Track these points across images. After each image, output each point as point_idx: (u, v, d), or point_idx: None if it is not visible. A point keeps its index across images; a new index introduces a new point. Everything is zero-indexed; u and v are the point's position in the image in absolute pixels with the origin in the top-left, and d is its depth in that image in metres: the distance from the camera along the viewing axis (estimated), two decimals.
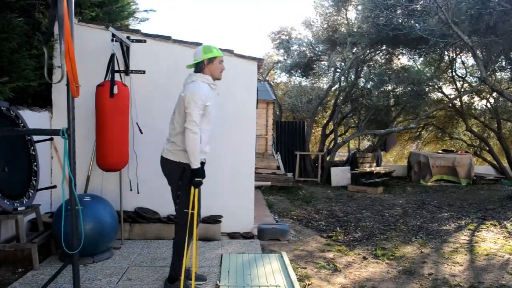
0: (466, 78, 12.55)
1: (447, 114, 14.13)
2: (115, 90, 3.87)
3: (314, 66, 14.09)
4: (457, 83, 12.72)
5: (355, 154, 12.39)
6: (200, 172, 2.92)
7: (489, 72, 10.59)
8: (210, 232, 4.54)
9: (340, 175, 10.78)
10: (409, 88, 11.05)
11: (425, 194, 9.35)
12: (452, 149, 14.32)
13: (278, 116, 16.52)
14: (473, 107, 13.75)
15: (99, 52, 4.37)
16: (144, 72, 4.60)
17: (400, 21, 9.94)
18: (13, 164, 3.56)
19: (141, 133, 4.47)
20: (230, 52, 4.74)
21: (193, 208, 2.98)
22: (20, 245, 3.46)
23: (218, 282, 3.32)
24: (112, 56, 4.11)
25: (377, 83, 11.62)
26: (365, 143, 17.39)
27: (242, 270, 3.60)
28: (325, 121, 14.32)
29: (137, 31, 4.63)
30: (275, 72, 19.36)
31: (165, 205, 4.37)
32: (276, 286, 3.28)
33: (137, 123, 4.44)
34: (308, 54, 13.57)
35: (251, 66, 4.81)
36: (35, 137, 3.96)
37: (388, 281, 3.64)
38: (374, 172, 10.84)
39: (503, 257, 4.45)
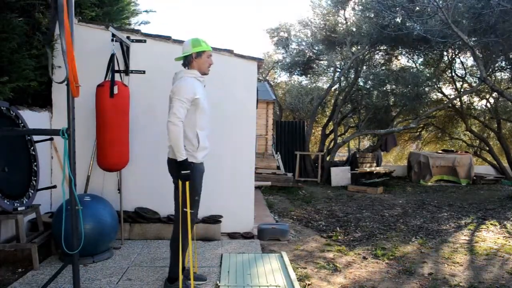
0: (466, 78, 12.56)
1: (447, 114, 14.14)
2: (115, 90, 3.88)
3: (314, 65, 14.10)
4: (457, 83, 12.72)
5: (355, 154, 12.39)
6: (186, 164, 2.87)
7: (489, 72, 10.59)
8: (210, 232, 4.54)
9: (340, 175, 10.78)
10: (408, 88, 11.05)
11: (425, 194, 9.35)
12: (452, 149, 14.33)
13: (278, 116, 16.53)
14: (472, 107, 13.75)
15: (99, 52, 4.37)
16: (144, 72, 4.60)
17: (400, 21, 9.95)
18: (13, 164, 3.56)
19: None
20: (230, 52, 4.74)
21: (191, 208, 2.98)
22: (20, 245, 3.46)
23: (218, 282, 3.32)
24: (112, 56, 4.11)
25: (376, 84, 11.63)
26: (365, 143, 17.39)
27: (242, 270, 3.60)
28: (325, 121, 14.33)
29: (137, 31, 4.63)
30: (275, 72, 19.37)
31: (165, 205, 4.37)
32: (276, 286, 3.28)
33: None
34: (307, 53, 13.57)
35: (251, 66, 4.81)
36: (35, 137, 3.96)
37: (388, 281, 3.64)
38: (374, 172, 10.84)
39: (503, 257, 4.45)
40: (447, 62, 12.03)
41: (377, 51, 12.34)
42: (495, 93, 11.66)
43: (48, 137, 4.23)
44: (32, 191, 3.75)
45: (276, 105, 15.67)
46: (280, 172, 10.07)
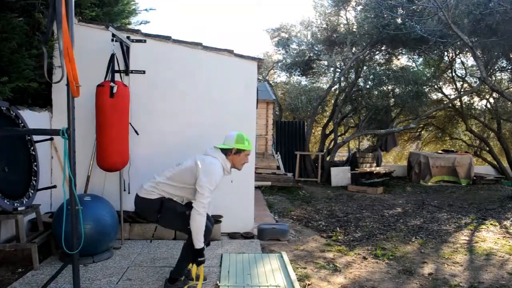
0: (466, 79, 12.56)
1: (447, 114, 14.14)
2: (114, 90, 3.86)
3: (314, 65, 14.10)
4: (457, 83, 12.73)
5: (355, 154, 12.40)
6: (202, 252, 2.90)
7: (489, 73, 10.60)
8: None
9: (340, 175, 10.78)
10: (408, 89, 11.05)
11: (425, 194, 9.36)
12: (452, 149, 14.33)
13: (278, 116, 16.52)
14: (472, 107, 13.76)
15: (99, 52, 4.37)
16: (144, 72, 4.60)
17: (400, 21, 9.95)
18: (13, 164, 3.56)
19: (137, 134, 4.45)
20: (230, 52, 4.75)
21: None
22: (20, 245, 3.45)
23: (218, 282, 3.32)
24: (112, 56, 4.11)
25: (377, 84, 11.64)
26: (365, 143, 17.39)
27: (242, 270, 3.60)
28: (325, 121, 14.33)
29: (137, 31, 4.63)
30: (275, 72, 19.37)
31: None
32: (276, 286, 3.28)
33: (130, 124, 4.34)
34: (308, 54, 13.57)
35: (251, 66, 4.81)
36: (35, 137, 3.96)
37: (388, 281, 3.64)
38: (374, 172, 10.84)
39: (503, 257, 4.45)
40: (447, 62, 12.04)
41: (378, 51, 12.34)
42: (495, 93, 11.66)
43: (48, 137, 4.23)
44: (32, 191, 3.75)
45: (276, 105, 15.67)
46: (280, 172, 10.07)
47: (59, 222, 3.31)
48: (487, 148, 12.91)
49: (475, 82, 12.09)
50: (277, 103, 16.15)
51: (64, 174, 2.74)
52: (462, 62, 12.29)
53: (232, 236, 4.71)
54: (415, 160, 12.12)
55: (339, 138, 13.53)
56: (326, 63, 13.68)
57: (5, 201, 3.31)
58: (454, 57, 11.80)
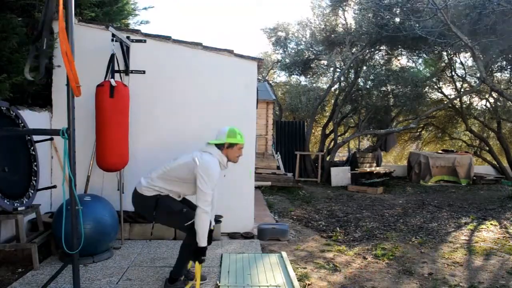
0: (466, 78, 12.56)
1: (447, 114, 14.14)
2: (113, 83, 3.84)
3: (313, 65, 14.10)
4: (457, 83, 12.72)
5: (355, 154, 12.39)
6: (204, 252, 2.91)
7: (488, 73, 10.59)
8: None
9: (340, 175, 10.78)
10: (408, 89, 11.05)
11: (425, 194, 9.35)
12: (452, 149, 14.33)
13: (278, 116, 16.52)
14: (472, 107, 13.76)
15: (99, 52, 4.37)
16: (144, 72, 4.60)
17: (399, 21, 9.95)
18: (13, 164, 3.56)
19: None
20: (230, 52, 4.75)
21: (189, 220, 2.95)
22: (20, 245, 3.45)
23: (218, 282, 3.32)
24: (112, 56, 4.11)
25: (376, 84, 11.64)
26: (365, 143, 17.39)
27: (242, 270, 3.60)
28: (325, 121, 14.33)
29: (137, 31, 4.63)
30: (275, 72, 19.38)
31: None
32: (276, 286, 3.28)
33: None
34: (306, 53, 13.57)
35: (251, 66, 4.81)
36: (35, 137, 3.96)
37: (388, 281, 3.64)
38: (374, 172, 10.85)
39: (503, 257, 4.45)
40: (446, 62, 12.04)
41: (377, 51, 12.34)
42: (495, 93, 11.67)
43: (48, 137, 4.23)
44: (32, 191, 3.75)
45: (276, 105, 15.66)
46: (280, 172, 10.07)
47: (59, 222, 3.31)
48: (487, 148, 12.91)
49: (475, 82, 12.09)
50: (277, 103, 16.15)
51: (63, 174, 2.74)
52: (461, 63, 12.29)
53: (232, 236, 4.71)
54: (415, 160, 12.12)
55: (339, 138, 13.53)
56: (325, 63, 13.68)
57: (5, 201, 3.31)
58: (453, 57, 11.80)
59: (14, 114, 3.63)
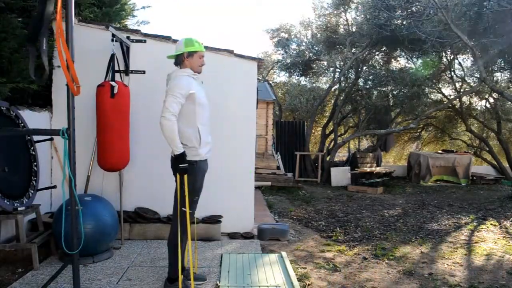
0: (466, 79, 12.56)
1: (447, 114, 14.14)
2: (115, 89, 3.86)
3: (313, 65, 14.10)
4: (456, 84, 12.72)
5: (355, 154, 12.39)
6: (183, 158, 2.88)
7: (488, 74, 10.59)
8: (210, 232, 4.54)
9: (340, 175, 10.78)
10: (407, 90, 11.04)
11: (425, 194, 9.36)
12: (452, 149, 14.33)
13: (278, 116, 16.52)
14: (472, 107, 13.75)
15: (99, 52, 4.37)
16: (144, 72, 4.60)
17: (399, 22, 9.95)
18: (13, 164, 3.56)
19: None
20: (230, 52, 4.75)
21: (190, 207, 2.97)
22: (20, 245, 3.45)
23: (218, 282, 3.32)
24: (112, 56, 4.11)
25: (376, 84, 11.64)
26: (365, 143, 17.39)
27: (242, 270, 3.60)
28: (325, 121, 14.33)
29: (137, 31, 4.63)
30: (275, 72, 19.38)
31: (165, 205, 4.37)
32: (276, 286, 3.28)
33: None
34: (307, 54, 13.57)
35: (251, 66, 4.81)
36: (35, 137, 3.96)
37: (388, 281, 3.64)
38: (374, 172, 10.85)
39: (503, 257, 4.45)
40: (446, 63, 12.04)
41: (377, 52, 12.34)
42: (495, 93, 11.66)
43: (48, 137, 4.23)
44: (32, 191, 3.75)
45: (276, 105, 15.67)
46: (280, 172, 10.07)
47: (59, 222, 3.31)
48: (487, 148, 12.90)
49: (475, 82, 12.09)
50: (277, 103, 16.15)
51: (63, 174, 2.74)
52: (460, 64, 12.29)
53: (232, 236, 4.71)
54: (415, 160, 12.12)
55: (339, 138, 13.53)
56: (325, 63, 13.68)
57: (5, 201, 3.31)
58: (453, 57, 11.79)
59: (14, 114, 3.63)
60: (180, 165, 2.88)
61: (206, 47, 4.72)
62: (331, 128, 13.80)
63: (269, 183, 8.79)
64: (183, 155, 2.88)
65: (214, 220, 4.62)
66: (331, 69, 13.51)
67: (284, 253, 4.09)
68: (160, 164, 4.11)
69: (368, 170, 11.09)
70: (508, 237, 5.30)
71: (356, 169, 11.12)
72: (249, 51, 37.62)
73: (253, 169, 4.94)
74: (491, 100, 12.75)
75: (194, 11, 54.77)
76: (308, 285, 3.46)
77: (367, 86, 12.39)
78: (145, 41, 4.59)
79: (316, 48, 13.44)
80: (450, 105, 12.40)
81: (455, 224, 6.05)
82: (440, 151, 13.76)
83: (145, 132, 4.59)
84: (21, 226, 3.42)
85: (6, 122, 3.51)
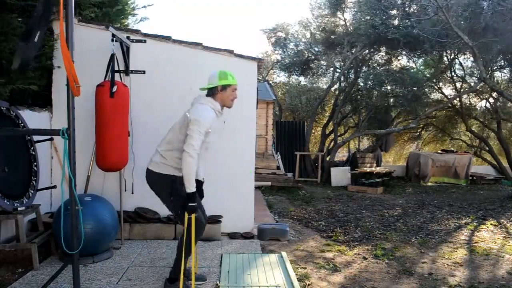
0: (466, 79, 12.56)
1: (447, 114, 14.15)
2: (114, 89, 3.86)
3: (313, 65, 14.11)
4: (457, 83, 12.72)
5: (355, 154, 12.40)
6: (194, 197, 2.82)
7: (488, 74, 10.59)
8: (210, 232, 4.54)
9: (340, 175, 10.78)
10: (406, 91, 11.05)
11: (425, 194, 9.36)
12: (452, 149, 14.34)
13: (278, 116, 16.52)
14: (472, 107, 13.76)
15: (99, 52, 4.36)
16: (144, 72, 4.60)
17: (397, 22, 9.95)
18: (13, 164, 3.56)
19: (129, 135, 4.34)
20: (230, 52, 4.74)
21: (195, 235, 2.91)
22: (20, 245, 3.45)
23: (218, 282, 3.32)
24: (112, 56, 4.11)
25: (376, 84, 11.63)
26: (365, 143, 17.40)
27: (242, 270, 3.60)
28: (325, 121, 14.33)
29: (137, 31, 4.63)
30: (275, 72, 19.38)
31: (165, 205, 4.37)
32: (276, 286, 3.28)
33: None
34: (306, 54, 13.57)
35: (251, 66, 4.81)
36: (35, 137, 3.96)
37: (388, 281, 3.64)
38: (374, 172, 10.85)
39: (503, 257, 4.45)
40: (446, 62, 12.04)
41: (377, 51, 12.34)
42: (495, 93, 11.67)
43: (48, 137, 4.23)
44: (32, 191, 3.75)
45: (276, 105, 15.67)
46: (280, 172, 10.07)
47: (59, 222, 3.31)
48: (487, 148, 12.90)
49: (475, 82, 12.10)
50: (277, 103, 16.16)
51: (63, 173, 2.74)
52: (460, 63, 12.29)
53: (232, 236, 4.71)
54: (415, 160, 12.12)
55: (339, 138, 13.53)
56: (325, 63, 13.69)
57: (5, 201, 3.31)
58: (453, 57, 11.79)
59: (14, 114, 3.63)
60: (190, 204, 2.81)
61: (206, 47, 4.75)
62: (331, 128, 13.80)
63: (269, 183, 8.80)
64: (194, 194, 2.83)
65: (214, 220, 4.62)
66: (331, 69, 13.52)
67: (284, 253, 4.09)
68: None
69: (368, 170, 11.10)
70: (508, 237, 5.30)
71: (356, 169, 11.12)
72: (249, 51, 37.63)
73: (253, 169, 4.94)
74: (491, 100, 12.76)
75: (194, 11, 54.79)
76: (308, 285, 3.46)
77: (367, 86, 12.39)
78: (145, 41, 4.59)
79: (315, 48, 13.44)
80: (450, 105, 12.40)
81: (455, 224, 6.05)
82: (440, 151, 13.76)
83: (145, 132, 4.59)
84: (21, 226, 3.42)
85: (6, 122, 3.51)
